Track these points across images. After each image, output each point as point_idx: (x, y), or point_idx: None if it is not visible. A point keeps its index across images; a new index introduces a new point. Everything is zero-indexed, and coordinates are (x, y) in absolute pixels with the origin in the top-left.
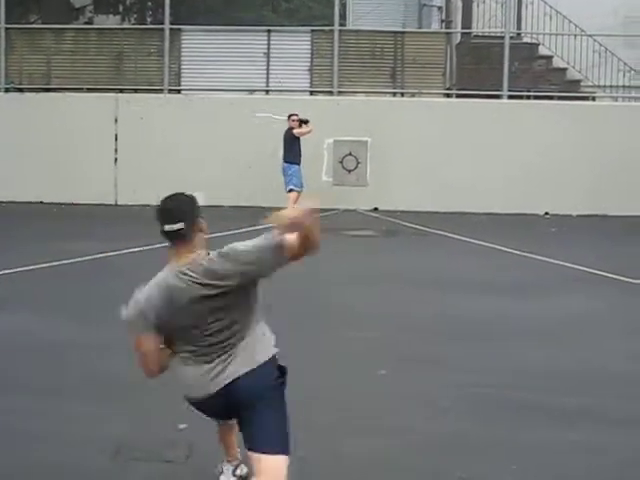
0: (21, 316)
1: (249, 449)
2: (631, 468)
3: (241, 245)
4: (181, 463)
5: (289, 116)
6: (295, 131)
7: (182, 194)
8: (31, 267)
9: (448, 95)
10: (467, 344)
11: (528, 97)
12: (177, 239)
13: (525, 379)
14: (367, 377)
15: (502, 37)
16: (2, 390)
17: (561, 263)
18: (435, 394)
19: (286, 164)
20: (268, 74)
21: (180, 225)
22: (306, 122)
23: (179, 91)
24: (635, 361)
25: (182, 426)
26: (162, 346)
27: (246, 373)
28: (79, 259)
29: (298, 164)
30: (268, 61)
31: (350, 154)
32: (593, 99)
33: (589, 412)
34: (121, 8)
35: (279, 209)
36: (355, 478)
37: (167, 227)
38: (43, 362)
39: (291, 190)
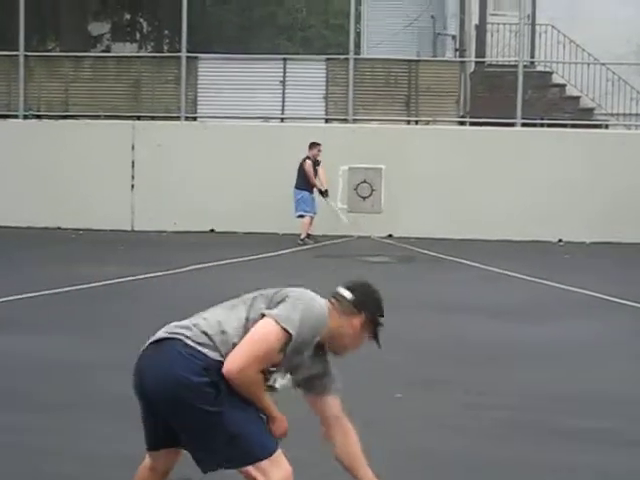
0: (36, 337)
1: None
2: None
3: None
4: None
5: (311, 144)
6: (306, 165)
7: (378, 292)
8: (49, 291)
9: (462, 123)
10: (477, 367)
11: (541, 125)
12: (336, 300)
13: (534, 401)
14: (383, 400)
15: (515, 65)
16: (17, 408)
17: (573, 289)
18: (447, 415)
19: (296, 190)
20: (284, 102)
21: (348, 294)
22: (318, 163)
23: (195, 118)
24: (635, 383)
25: None
26: None
27: None
28: (96, 284)
29: (308, 191)
30: (284, 89)
31: (365, 181)
32: (606, 127)
33: (598, 433)
34: (138, 36)
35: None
36: None
37: (341, 289)
38: (58, 381)
39: (301, 215)
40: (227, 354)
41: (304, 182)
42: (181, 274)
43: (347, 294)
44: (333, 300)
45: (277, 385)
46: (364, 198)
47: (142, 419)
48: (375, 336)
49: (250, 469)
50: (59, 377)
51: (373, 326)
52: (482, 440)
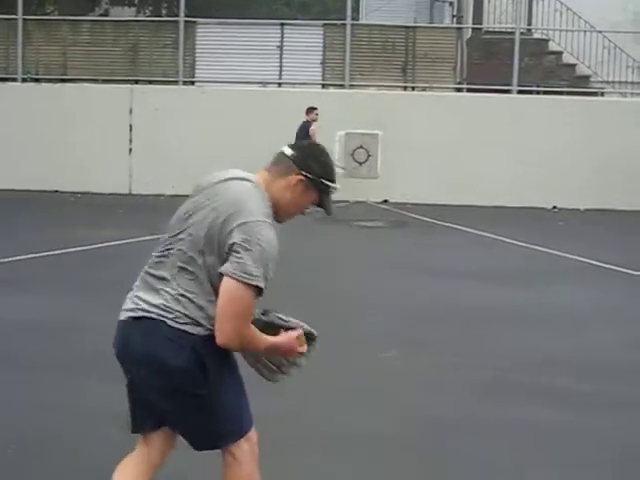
0: (35, 298)
1: None
2: (628, 449)
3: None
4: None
5: (309, 108)
6: (312, 129)
7: (329, 156)
8: (47, 253)
9: (458, 89)
10: (467, 330)
11: (537, 92)
12: (274, 162)
13: (522, 363)
14: (370, 359)
15: (512, 33)
16: (12, 365)
17: (566, 255)
18: (435, 375)
19: None
20: (281, 67)
21: (289, 152)
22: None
23: (193, 83)
24: (631, 348)
25: None
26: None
27: None
28: (94, 246)
29: None
30: (281, 54)
31: (361, 147)
32: (602, 95)
33: (582, 395)
34: (136, 0)
35: None
36: (358, 453)
37: (284, 147)
38: (58, 341)
39: None
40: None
41: None
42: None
43: (287, 150)
44: (271, 167)
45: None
46: (360, 163)
47: (128, 397)
48: (321, 202)
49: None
50: (58, 337)
51: (317, 189)
52: (467, 399)
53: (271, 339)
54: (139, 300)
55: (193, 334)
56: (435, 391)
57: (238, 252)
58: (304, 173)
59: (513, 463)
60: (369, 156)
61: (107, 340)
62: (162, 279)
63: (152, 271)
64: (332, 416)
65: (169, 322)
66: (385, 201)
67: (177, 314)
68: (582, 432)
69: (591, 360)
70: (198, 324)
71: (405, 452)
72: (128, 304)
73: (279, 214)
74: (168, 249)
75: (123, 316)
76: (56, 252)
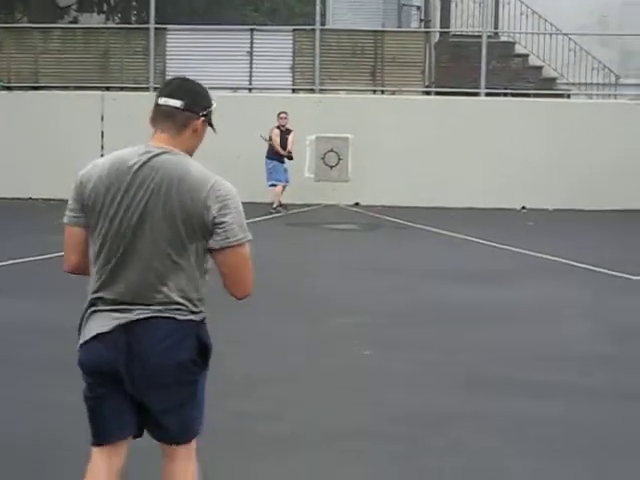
0: (29, 301)
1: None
2: (600, 436)
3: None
4: None
5: (278, 114)
6: (273, 133)
7: (200, 84)
8: (27, 259)
9: (427, 92)
10: (439, 327)
11: (505, 94)
12: (166, 120)
13: (493, 358)
14: (352, 359)
15: (480, 36)
16: (25, 366)
17: (534, 254)
18: (413, 371)
19: (267, 159)
20: (251, 72)
21: (177, 103)
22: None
23: None
24: (599, 342)
25: None
26: None
27: None
28: None
29: (278, 160)
30: (251, 60)
31: (332, 150)
32: (568, 96)
33: (552, 386)
34: (105, 7)
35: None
36: (340, 446)
37: (162, 100)
38: (60, 343)
39: (273, 185)
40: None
41: (273, 151)
42: None
43: (175, 102)
44: (160, 132)
45: None
46: (331, 167)
47: (96, 409)
48: (210, 123)
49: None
50: (59, 339)
51: (209, 117)
52: (447, 395)
53: None
54: None
55: None
56: (415, 388)
57: (222, 223)
58: (203, 113)
59: (496, 453)
60: (340, 159)
61: None
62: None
63: None
64: (316, 415)
65: None
66: (356, 204)
67: None
68: (557, 422)
69: (562, 353)
70: None
71: (390, 447)
72: None
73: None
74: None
75: None
76: (35, 258)
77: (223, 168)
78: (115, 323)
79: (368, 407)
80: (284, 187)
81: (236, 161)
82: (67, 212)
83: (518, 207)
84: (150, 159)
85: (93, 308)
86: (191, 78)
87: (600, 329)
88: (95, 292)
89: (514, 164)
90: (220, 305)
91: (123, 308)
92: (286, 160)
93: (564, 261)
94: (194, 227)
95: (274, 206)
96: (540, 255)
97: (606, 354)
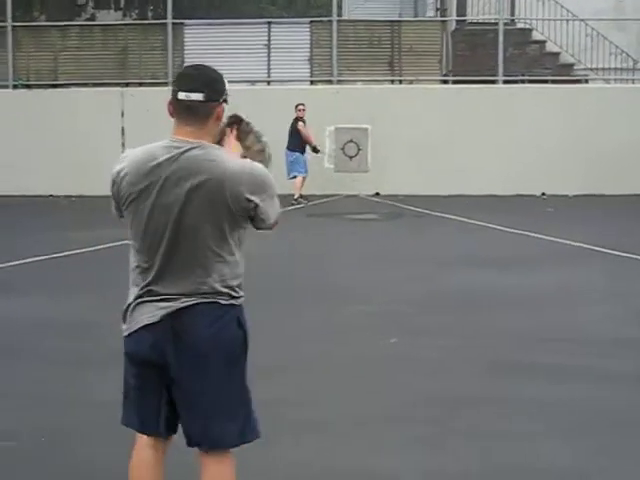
0: (47, 298)
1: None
2: (616, 416)
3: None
4: None
5: (296, 106)
6: (300, 125)
7: (212, 68)
8: (49, 256)
9: (445, 81)
10: (462, 314)
11: (523, 81)
12: (190, 114)
13: (515, 342)
14: (376, 347)
15: (496, 23)
16: (32, 361)
17: (554, 239)
18: (434, 357)
19: (289, 151)
20: (269, 65)
21: (199, 96)
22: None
23: None
24: (620, 325)
25: None
26: None
27: None
28: (93, 247)
29: (300, 152)
30: (269, 52)
31: (351, 141)
32: (586, 82)
33: (572, 369)
34: (122, 3)
35: (286, 196)
36: (365, 430)
37: (182, 95)
38: (73, 338)
39: (294, 177)
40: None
41: (297, 143)
42: None
43: (197, 96)
44: (186, 126)
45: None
46: (351, 157)
47: (139, 400)
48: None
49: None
50: (72, 334)
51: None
52: (471, 380)
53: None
54: None
55: None
56: (436, 373)
57: (258, 207)
58: (223, 99)
59: (518, 435)
60: (359, 150)
61: (116, 336)
62: None
63: None
64: (341, 401)
65: None
66: (377, 194)
67: None
68: (578, 403)
69: (582, 337)
70: None
71: (414, 431)
72: None
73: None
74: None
75: None
76: (56, 255)
77: None
78: (162, 312)
79: (392, 392)
80: (304, 178)
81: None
82: (112, 209)
83: (538, 194)
84: (181, 154)
85: (140, 300)
86: (201, 64)
87: (621, 313)
88: (141, 286)
89: (533, 151)
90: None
91: (169, 298)
92: (307, 151)
93: (585, 246)
94: (236, 216)
95: (295, 197)
96: (560, 240)
97: (628, 337)
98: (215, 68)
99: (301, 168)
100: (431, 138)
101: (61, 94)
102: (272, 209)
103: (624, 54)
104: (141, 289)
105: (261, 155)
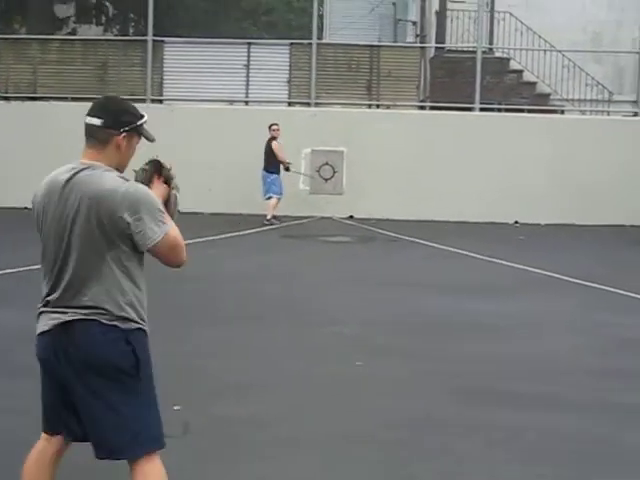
0: (22, 312)
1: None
2: (579, 444)
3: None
4: (179, 438)
5: (270, 126)
6: (273, 145)
7: (123, 100)
8: (24, 268)
9: (422, 107)
10: (430, 338)
11: (499, 110)
12: (90, 137)
13: (482, 369)
14: (345, 367)
15: (474, 52)
16: (19, 374)
17: (524, 267)
18: (402, 379)
19: (265, 172)
20: (248, 85)
21: (97, 121)
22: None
23: (161, 101)
24: (581, 354)
25: (176, 407)
26: None
27: None
28: None
29: (277, 173)
30: (248, 73)
31: (327, 163)
32: (562, 112)
33: (541, 398)
34: (104, 19)
35: (259, 216)
36: (332, 450)
37: (86, 119)
38: None
39: (270, 197)
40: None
41: (274, 164)
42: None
43: (95, 121)
44: (87, 148)
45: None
46: (326, 180)
47: (43, 398)
48: (142, 136)
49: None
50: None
51: (137, 130)
52: (431, 402)
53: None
54: None
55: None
56: (403, 395)
57: (137, 227)
58: (124, 129)
59: (482, 459)
60: (335, 172)
61: None
62: None
63: None
64: (308, 421)
65: None
66: (350, 217)
67: None
68: (540, 431)
69: (550, 366)
70: None
71: (381, 452)
72: None
73: (121, 171)
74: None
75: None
76: (30, 268)
77: (221, 178)
78: (53, 323)
79: (358, 413)
80: (279, 200)
81: (230, 172)
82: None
83: (511, 221)
84: (74, 175)
85: (41, 309)
86: (116, 96)
87: (588, 343)
88: (42, 296)
89: (507, 179)
90: (208, 318)
91: (60, 310)
92: (282, 172)
93: (555, 275)
94: (111, 236)
95: (268, 218)
96: (530, 269)
97: (594, 368)
98: (195, 88)
99: (277, 189)
100: (406, 163)
101: (40, 107)
102: (150, 230)
103: (600, 86)
104: (42, 299)
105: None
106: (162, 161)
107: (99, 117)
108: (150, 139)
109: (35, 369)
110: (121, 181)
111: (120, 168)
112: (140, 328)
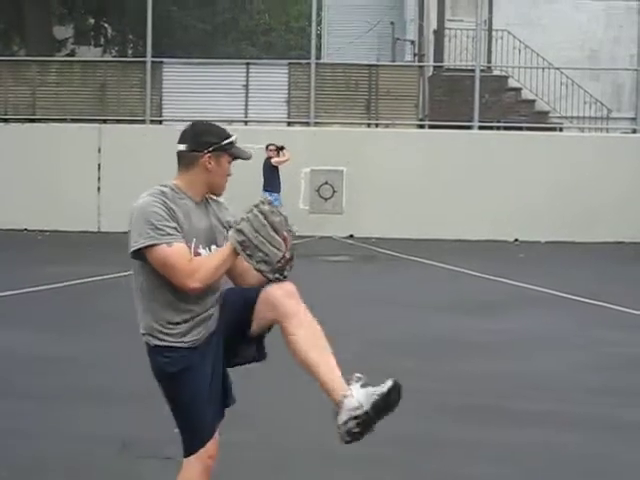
0: (18, 333)
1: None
2: (577, 461)
3: None
4: (179, 459)
5: (267, 146)
6: (273, 160)
7: (211, 123)
8: (22, 290)
9: (421, 126)
10: (430, 357)
11: (498, 128)
12: (179, 162)
13: (480, 387)
14: None
15: (473, 70)
16: (7, 396)
17: (524, 285)
18: (405, 400)
19: (265, 192)
20: (247, 105)
21: (182, 147)
22: (282, 149)
23: (160, 122)
24: (580, 371)
25: (177, 430)
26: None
27: None
28: (67, 283)
29: (278, 193)
30: (247, 93)
31: (326, 183)
32: (561, 130)
33: (539, 415)
34: (102, 40)
35: None
36: (334, 472)
37: (177, 146)
38: (44, 373)
39: None
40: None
41: (274, 183)
42: None
43: (181, 147)
44: (179, 170)
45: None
46: (326, 199)
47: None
48: (234, 157)
49: None
50: (43, 370)
51: (224, 151)
52: (429, 421)
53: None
54: None
55: None
56: (407, 416)
57: (129, 233)
58: (207, 150)
59: (479, 477)
60: (334, 192)
61: (95, 371)
62: None
63: None
64: (304, 440)
65: None
66: (350, 236)
67: None
68: (543, 448)
69: (551, 383)
70: None
71: (378, 471)
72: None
73: (216, 191)
74: None
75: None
76: (29, 290)
77: (222, 198)
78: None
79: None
80: None
81: (230, 192)
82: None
83: (510, 239)
84: None
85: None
86: (202, 120)
87: (588, 360)
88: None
89: (506, 196)
90: None
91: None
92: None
93: (554, 293)
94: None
95: None
96: (531, 287)
97: (593, 385)
98: (194, 109)
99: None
100: (406, 182)
101: (39, 129)
102: (132, 239)
103: (598, 103)
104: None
105: None
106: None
107: (184, 142)
108: (244, 157)
109: (37, 391)
110: (141, 196)
111: (213, 189)
112: (168, 344)
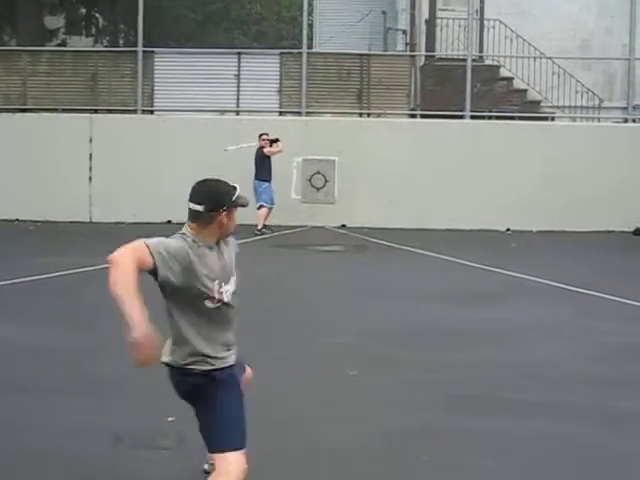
0: (9, 325)
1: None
2: (581, 458)
3: None
4: (173, 449)
5: (260, 135)
6: (265, 150)
7: (218, 181)
8: (13, 280)
9: (412, 115)
10: (425, 347)
11: (490, 117)
12: (194, 219)
13: (480, 377)
14: (337, 378)
15: (464, 59)
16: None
17: (516, 275)
18: (402, 391)
19: (257, 181)
20: (239, 95)
21: (199, 207)
22: (276, 141)
23: (152, 112)
24: (576, 361)
25: (170, 418)
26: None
27: None
28: (59, 273)
29: (269, 181)
30: (238, 83)
31: (318, 172)
32: (552, 119)
33: (538, 405)
34: (94, 30)
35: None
36: (330, 465)
37: (190, 205)
38: (37, 365)
39: (261, 206)
40: None
41: (263, 173)
42: None
43: (199, 207)
44: (192, 223)
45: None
46: (318, 189)
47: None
48: (237, 206)
49: None
50: (36, 361)
51: (234, 204)
52: (426, 412)
53: (136, 315)
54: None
55: None
56: (403, 406)
57: None
58: (223, 209)
59: (478, 469)
60: (326, 182)
61: (87, 362)
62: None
63: None
64: (303, 432)
65: None
66: (343, 226)
67: None
68: (541, 439)
69: (547, 373)
70: None
71: (376, 463)
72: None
73: (226, 236)
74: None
75: None
76: (20, 280)
77: None
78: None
79: (353, 424)
80: (270, 209)
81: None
82: None
83: (502, 228)
84: None
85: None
86: (207, 179)
87: (583, 350)
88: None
89: (499, 186)
90: None
91: None
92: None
93: (547, 282)
94: None
95: (259, 228)
96: (523, 276)
97: (589, 374)
98: (185, 99)
99: (267, 198)
100: (398, 171)
101: (30, 119)
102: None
103: (590, 93)
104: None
105: None
106: None
107: (200, 204)
108: (245, 205)
109: (31, 384)
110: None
111: (224, 235)
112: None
